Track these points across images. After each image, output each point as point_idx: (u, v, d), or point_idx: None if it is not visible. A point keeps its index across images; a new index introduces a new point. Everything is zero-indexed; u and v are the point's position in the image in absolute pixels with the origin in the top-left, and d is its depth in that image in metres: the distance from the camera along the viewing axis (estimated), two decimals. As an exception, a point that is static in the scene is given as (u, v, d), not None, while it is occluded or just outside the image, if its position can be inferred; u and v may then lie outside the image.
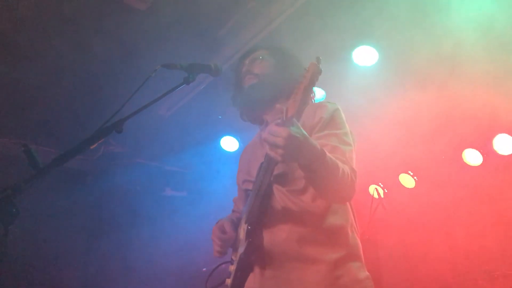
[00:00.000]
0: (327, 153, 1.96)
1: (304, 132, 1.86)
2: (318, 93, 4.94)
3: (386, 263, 6.05)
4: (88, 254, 5.96)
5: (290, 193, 2.22)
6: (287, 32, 3.98)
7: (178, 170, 6.64)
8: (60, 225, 5.66)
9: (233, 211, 2.78)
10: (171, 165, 6.57)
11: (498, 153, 5.25)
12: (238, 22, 4.24)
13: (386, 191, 6.26)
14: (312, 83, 1.73)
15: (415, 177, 6.06)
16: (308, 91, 1.73)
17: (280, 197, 2.23)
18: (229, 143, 5.91)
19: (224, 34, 4.38)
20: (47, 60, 4.32)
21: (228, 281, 2.31)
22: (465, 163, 5.54)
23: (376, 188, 6.06)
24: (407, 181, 6.15)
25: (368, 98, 4.72)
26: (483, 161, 5.42)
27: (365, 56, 4.47)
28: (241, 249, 2.21)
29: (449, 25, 3.89)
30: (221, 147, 5.90)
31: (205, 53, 4.40)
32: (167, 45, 4.17)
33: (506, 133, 5.18)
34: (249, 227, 2.18)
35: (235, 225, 2.44)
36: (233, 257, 2.36)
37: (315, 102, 2.48)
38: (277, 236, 2.16)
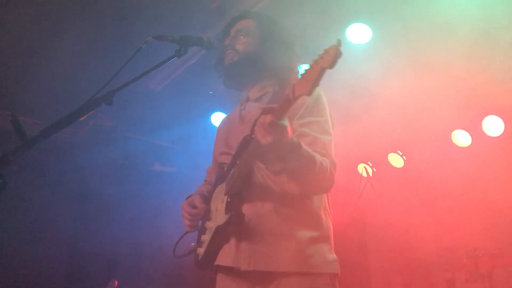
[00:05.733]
0: (303, 146, 2.00)
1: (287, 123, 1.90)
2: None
3: (372, 241, 6.13)
4: (75, 227, 5.94)
5: (270, 171, 2.25)
6: (280, 6, 3.91)
7: (167, 145, 6.60)
8: (47, 198, 5.62)
9: (205, 181, 2.80)
10: (160, 140, 6.52)
11: (487, 135, 5.29)
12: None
13: (375, 170, 6.31)
14: (331, 66, 1.68)
15: (404, 157, 6.10)
16: (323, 73, 1.69)
17: (261, 174, 2.26)
18: (220, 119, 5.84)
19: (216, 7, 4.31)
20: (36, 30, 4.23)
21: (200, 251, 2.36)
22: (454, 144, 5.58)
23: (365, 167, 6.10)
24: (396, 160, 6.19)
25: (360, 77, 4.69)
26: (472, 142, 5.46)
27: (358, 34, 4.43)
28: (220, 221, 2.23)
29: (442, 4, 3.86)
30: (211, 123, 5.87)
31: (197, 26, 4.33)
32: (159, 17, 4.10)
33: (495, 114, 5.21)
34: (229, 199, 2.21)
35: (206, 199, 2.48)
36: (206, 226, 2.39)
37: None
38: (255, 210, 2.20)
